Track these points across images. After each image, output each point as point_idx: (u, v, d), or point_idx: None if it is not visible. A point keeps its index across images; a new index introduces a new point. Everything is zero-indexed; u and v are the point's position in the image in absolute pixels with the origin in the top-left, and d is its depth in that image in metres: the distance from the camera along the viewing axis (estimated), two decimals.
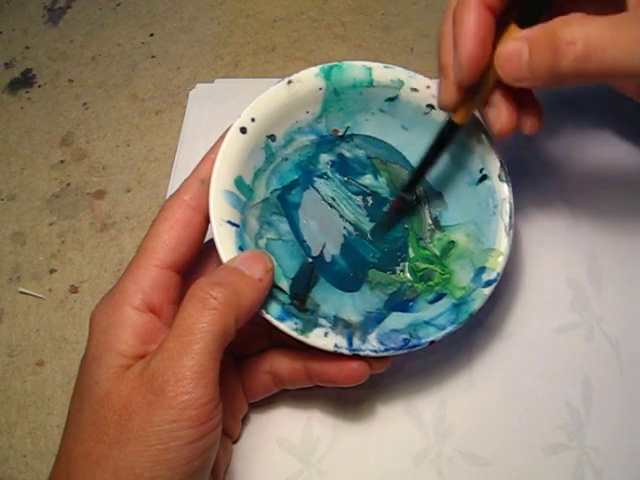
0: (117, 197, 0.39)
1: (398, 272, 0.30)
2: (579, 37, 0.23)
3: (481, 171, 0.29)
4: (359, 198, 0.32)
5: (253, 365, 0.29)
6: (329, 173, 0.31)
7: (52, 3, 0.49)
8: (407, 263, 0.30)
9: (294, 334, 0.26)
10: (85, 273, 0.36)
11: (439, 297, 0.28)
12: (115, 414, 0.23)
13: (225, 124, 0.28)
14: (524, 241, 0.34)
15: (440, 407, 0.30)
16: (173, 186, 0.38)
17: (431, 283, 0.29)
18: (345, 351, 0.26)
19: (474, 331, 0.32)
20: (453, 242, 0.30)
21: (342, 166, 0.32)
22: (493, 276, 0.27)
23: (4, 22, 0.47)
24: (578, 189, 0.35)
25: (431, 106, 0.30)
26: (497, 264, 0.28)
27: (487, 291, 0.27)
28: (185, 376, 0.23)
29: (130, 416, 0.23)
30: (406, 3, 0.45)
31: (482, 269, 0.28)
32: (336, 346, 0.26)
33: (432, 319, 0.27)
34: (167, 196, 0.38)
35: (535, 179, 0.36)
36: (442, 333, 0.27)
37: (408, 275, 0.30)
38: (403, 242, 0.31)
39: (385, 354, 0.26)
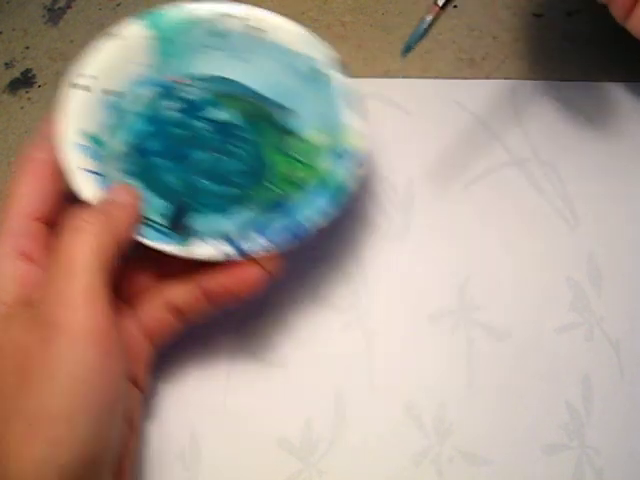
0: None
1: (266, 184, 0.31)
2: None
3: (315, 68, 0.32)
4: (215, 133, 0.33)
5: (145, 303, 0.28)
6: (182, 119, 0.33)
7: (52, 3, 0.49)
8: (273, 174, 0.31)
9: (178, 251, 0.26)
10: None
11: (313, 190, 0.30)
12: (12, 361, 0.22)
13: None
14: (522, 241, 0.34)
15: (440, 407, 0.30)
16: None
17: (300, 183, 0.31)
18: (236, 257, 0.27)
19: (474, 330, 0.32)
20: (309, 141, 0.32)
21: (193, 109, 0.33)
22: (355, 152, 0.30)
23: (4, 22, 0.47)
24: (578, 189, 0.35)
25: (259, 29, 0.33)
26: (355, 141, 0.30)
27: (352, 167, 0.30)
28: (76, 302, 0.22)
29: (28, 358, 0.22)
30: (406, 3, 0.45)
31: (343, 151, 0.30)
32: (226, 254, 0.27)
33: (310, 208, 0.29)
34: None
35: (534, 179, 0.36)
36: (322, 215, 0.28)
37: (277, 184, 0.31)
38: (262, 156, 0.32)
39: (276, 249, 0.27)
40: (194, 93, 0.33)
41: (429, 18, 0.30)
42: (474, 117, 0.38)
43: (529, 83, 0.39)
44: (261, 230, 0.28)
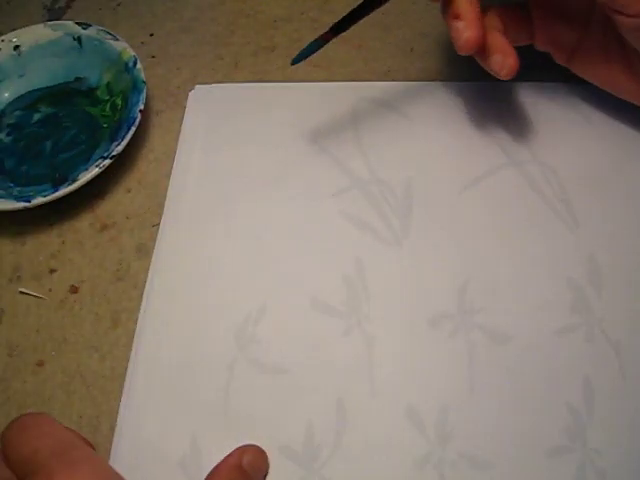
0: (117, 197, 0.39)
1: (102, 127, 0.42)
2: None
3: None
4: (45, 127, 0.42)
5: None
6: (19, 136, 0.42)
7: (52, 3, 0.49)
8: (97, 121, 0.42)
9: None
10: (85, 273, 0.36)
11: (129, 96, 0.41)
12: None
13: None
14: (521, 243, 0.34)
15: (441, 411, 0.30)
16: (173, 186, 0.38)
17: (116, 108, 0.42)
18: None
19: (474, 334, 0.32)
20: (102, 86, 0.43)
21: (20, 127, 0.42)
22: (129, 60, 0.41)
23: (4, 22, 0.47)
24: (577, 189, 0.35)
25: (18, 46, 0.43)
26: (125, 54, 0.41)
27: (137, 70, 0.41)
28: None
29: None
30: (406, 3, 0.45)
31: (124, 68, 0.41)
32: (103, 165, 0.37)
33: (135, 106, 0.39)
34: (167, 196, 0.38)
35: (533, 181, 0.36)
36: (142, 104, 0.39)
37: (105, 123, 0.42)
38: (83, 115, 0.42)
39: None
40: (13, 117, 0.43)
41: (321, 39, 0.32)
42: (471, 119, 0.38)
43: (526, 84, 0.39)
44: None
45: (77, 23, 0.43)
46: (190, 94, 0.41)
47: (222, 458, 0.29)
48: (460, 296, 0.33)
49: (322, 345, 0.32)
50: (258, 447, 0.30)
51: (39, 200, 0.36)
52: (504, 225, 0.35)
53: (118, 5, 0.48)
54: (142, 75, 0.40)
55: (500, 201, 0.35)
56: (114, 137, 0.38)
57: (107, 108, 0.42)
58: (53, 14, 0.48)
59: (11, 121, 0.43)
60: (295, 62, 0.32)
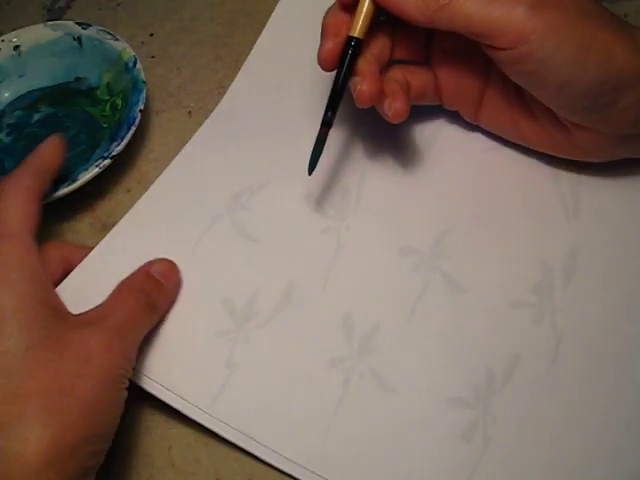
0: (117, 197, 0.39)
1: (102, 127, 0.42)
2: None
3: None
4: (44, 127, 0.42)
5: None
6: (19, 137, 0.42)
7: (52, 3, 0.49)
8: (97, 122, 0.42)
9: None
10: None
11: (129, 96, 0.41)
12: None
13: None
14: (516, 214, 0.34)
15: (374, 328, 0.31)
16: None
17: (116, 108, 0.42)
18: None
19: (434, 275, 0.33)
20: (102, 86, 0.43)
21: (20, 127, 0.42)
22: (128, 60, 0.41)
23: (4, 22, 0.48)
24: (592, 187, 0.35)
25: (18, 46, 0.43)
26: (125, 54, 0.41)
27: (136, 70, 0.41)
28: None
29: None
30: None
31: (124, 68, 0.41)
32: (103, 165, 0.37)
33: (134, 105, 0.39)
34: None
35: (554, 162, 0.36)
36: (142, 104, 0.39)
37: (105, 124, 0.42)
38: (83, 115, 0.43)
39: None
40: (13, 117, 0.43)
41: (320, 138, 0.32)
42: None
43: None
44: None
45: (77, 23, 0.43)
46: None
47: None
48: (438, 239, 0.34)
49: (299, 230, 0.35)
50: (169, 260, 0.33)
51: None
52: (506, 188, 0.35)
53: (118, 5, 0.48)
54: (142, 75, 0.40)
55: (513, 168, 0.36)
56: (114, 137, 0.38)
57: (107, 108, 0.42)
58: (53, 14, 0.48)
59: (11, 121, 0.43)
60: (311, 172, 0.33)
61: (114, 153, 0.37)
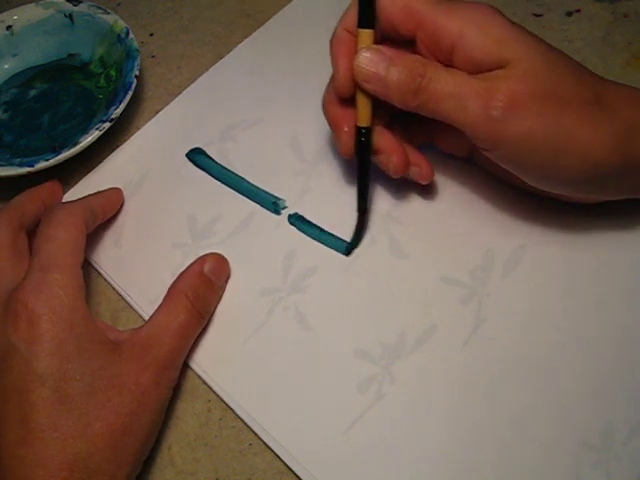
0: None
1: (97, 98, 0.43)
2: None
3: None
4: (40, 102, 0.43)
5: None
6: (16, 113, 0.43)
7: None
8: (92, 94, 0.43)
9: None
10: None
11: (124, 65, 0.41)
12: None
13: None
14: (485, 195, 0.34)
15: (312, 270, 0.34)
16: None
17: (110, 80, 0.43)
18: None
19: (384, 236, 0.34)
20: (96, 60, 0.44)
21: (16, 103, 0.43)
22: (121, 32, 0.42)
23: None
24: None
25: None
26: (117, 26, 0.42)
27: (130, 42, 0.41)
28: None
29: None
30: None
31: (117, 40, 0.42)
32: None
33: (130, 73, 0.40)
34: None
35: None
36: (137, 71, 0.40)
37: (100, 94, 0.43)
38: (79, 89, 0.43)
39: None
40: (9, 95, 0.44)
41: (361, 224, 0.34)
42: None
43: None
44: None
45: (68, 0, 0.43)
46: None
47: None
48: (396, 198, 0.35)
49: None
50: (219, 254, 0.34)
51: (42, 165, 0.36)
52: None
53: (118, 5, 0.48)
54: (135, 44, 0.41)
55: None
56: (111, 104, 0.39)
57: (101, 80, 0.43)
58: None
59: (7, 99, 0.43)
60: (349, 254, 0.34)
61: (113, 116, 0.38)
